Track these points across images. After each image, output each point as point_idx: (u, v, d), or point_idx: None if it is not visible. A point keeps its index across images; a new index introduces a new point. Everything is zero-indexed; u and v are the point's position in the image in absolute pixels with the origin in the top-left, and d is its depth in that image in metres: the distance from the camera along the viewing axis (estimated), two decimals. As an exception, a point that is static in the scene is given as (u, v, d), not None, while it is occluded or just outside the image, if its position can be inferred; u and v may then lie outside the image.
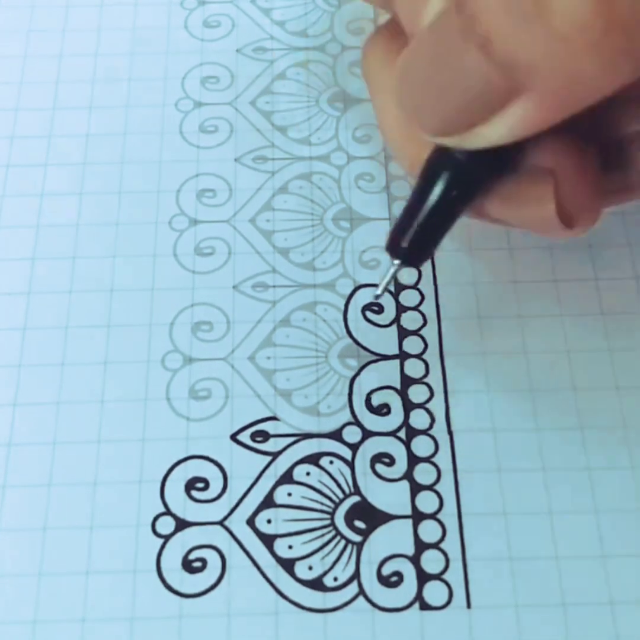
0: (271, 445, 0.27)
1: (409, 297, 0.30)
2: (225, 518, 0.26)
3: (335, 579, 0.25)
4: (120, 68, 0.35)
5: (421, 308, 0.30)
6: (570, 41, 0.19)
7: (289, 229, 0.31)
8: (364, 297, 0.30)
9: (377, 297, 0.26)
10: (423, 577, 0.25)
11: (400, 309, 0.30)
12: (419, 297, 0.30)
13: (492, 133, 0.21)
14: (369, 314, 0.30)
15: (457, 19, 0.20)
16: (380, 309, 0.30)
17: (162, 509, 0.26)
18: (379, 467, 0.27)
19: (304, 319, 0.29)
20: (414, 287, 0.30)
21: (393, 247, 0.25)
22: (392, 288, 0.30)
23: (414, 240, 0.24)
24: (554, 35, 0.19)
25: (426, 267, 0.30)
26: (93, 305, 0.29)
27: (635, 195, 0.26)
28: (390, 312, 0.30)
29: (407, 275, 0.30)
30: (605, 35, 0.18)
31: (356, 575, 0.25)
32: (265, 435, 0.27)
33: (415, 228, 0.24)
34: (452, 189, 0.24)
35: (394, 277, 0.26)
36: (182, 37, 0.36)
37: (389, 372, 0.29)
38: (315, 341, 0.29)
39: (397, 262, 0.25)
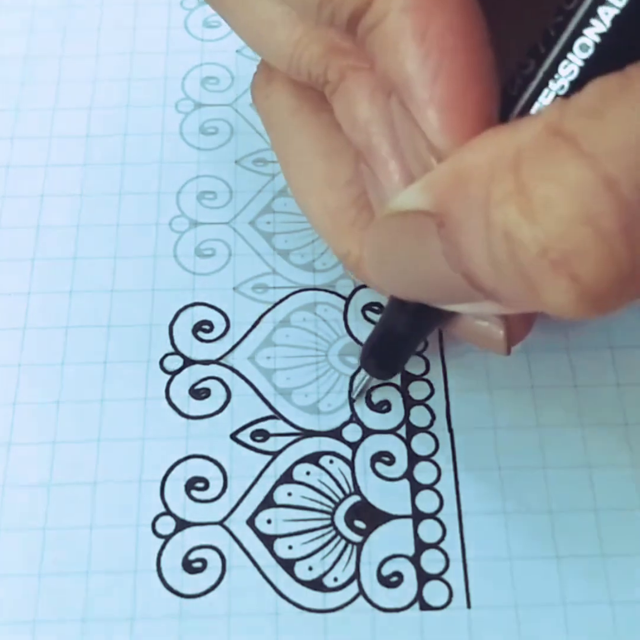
0: (271, 445, 0.27)
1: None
2: (225, 518, 0.26)
3: (335, 579, 0.25)
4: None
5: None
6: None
7: (290, 231, 0.31)
8: (364, 297, 0.30)
9: (353, 401, 0.28)
10: (423, 577, 0.25)
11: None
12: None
13: (459, 308, 0.23)
14: (369, 314, 0.30)
15: (441, 244, 0.20)
16: (380, 309, 0.30)
17: (162, 509, 0.26)
18: (379, 466, 0.27)
19: (304, 319, 0.29)
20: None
21: (365, 364, 0.27)
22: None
23: (384, 360, 0.26)
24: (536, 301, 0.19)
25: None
26: (93, 305, 0.29)
27: None
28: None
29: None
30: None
31: (356, 576, 0.25)
32: (265, 435, 0.27)
33: (386, 350, 0.26)
34: (421, 320, 0.25)
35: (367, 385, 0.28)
36: (182, 37, 0.36)
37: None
38: (316, 340, 0.29)
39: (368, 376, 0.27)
